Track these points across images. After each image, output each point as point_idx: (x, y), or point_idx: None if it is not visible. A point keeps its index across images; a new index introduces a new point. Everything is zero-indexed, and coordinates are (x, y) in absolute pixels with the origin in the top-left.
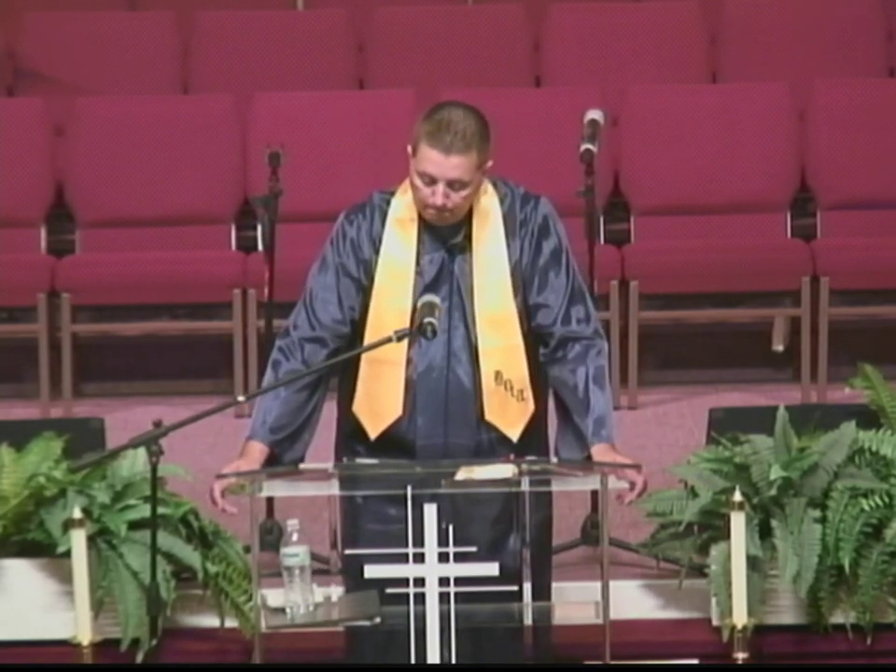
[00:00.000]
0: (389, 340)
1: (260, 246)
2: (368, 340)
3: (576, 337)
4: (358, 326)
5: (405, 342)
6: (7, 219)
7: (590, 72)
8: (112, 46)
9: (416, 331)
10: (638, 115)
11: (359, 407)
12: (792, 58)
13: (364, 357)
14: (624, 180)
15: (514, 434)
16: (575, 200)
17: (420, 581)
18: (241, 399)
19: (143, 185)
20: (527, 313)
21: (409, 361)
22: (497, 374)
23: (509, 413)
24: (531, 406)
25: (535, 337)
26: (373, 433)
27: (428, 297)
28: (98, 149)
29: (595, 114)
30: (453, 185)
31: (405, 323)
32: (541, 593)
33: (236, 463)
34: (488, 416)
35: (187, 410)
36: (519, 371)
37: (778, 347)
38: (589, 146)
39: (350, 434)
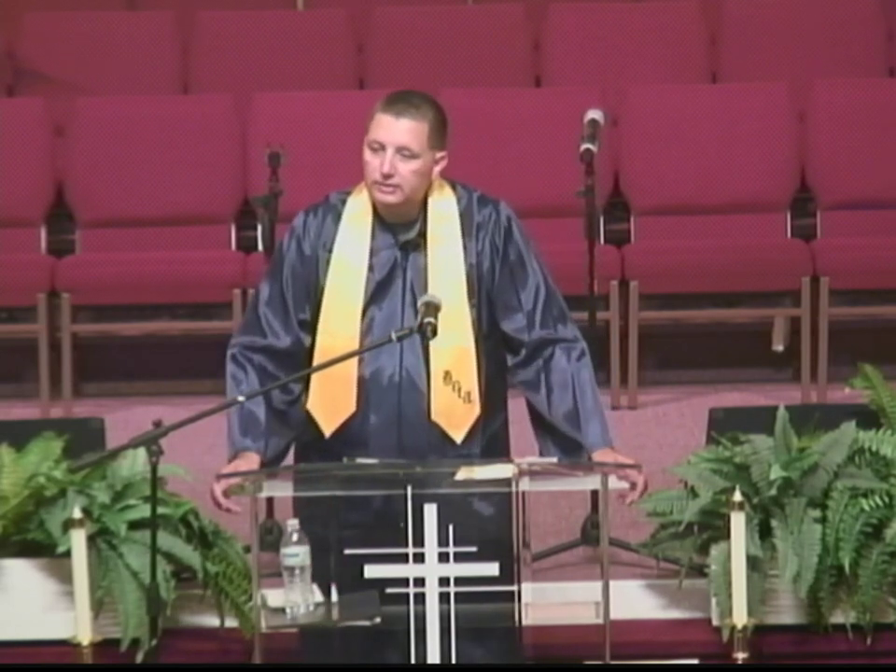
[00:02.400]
0: (390, 340)
1: (260, 246)
2: (319, 338)
3: (554, 339)
4: (311, 323)
5: (356, 339)
6: (7, 219)
7: (590, 72)
8: (112, 46)
9: (416, 331)
10: (638, 115)
11: (314, 404)
12: (792, 58)
13: (316, 354)
14: (624, 180)
15: (458, 436)
16: (575, 200)
17: (420, 581)
18: (241, 399)
19: (143, 185)
20: (489, 317)
21: (362, 359)
22: (447, 374)
23: (454, 414)
24: (477, 409)
25: (505, 343)
26: (328, 430)
27: (429, 297)
28: (98, 149)
29: (595, 114)
30: (401, 151)
31: (355, 320)
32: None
33: (234, 463)
34: (434, 416)
35: (187, 410)
36: (468, 372)
37: (778, 347)
38: (589, 146)
39: (307, 442)
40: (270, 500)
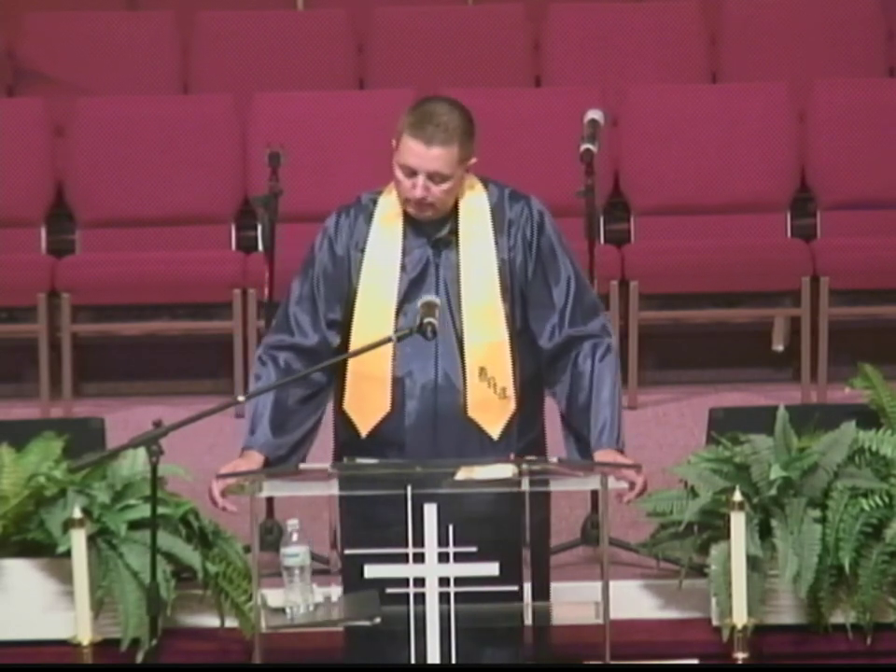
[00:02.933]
0: (389, 340)
1: (260, 246)
2: (354, 338)
3: (582, 336)
4: (344, 325)
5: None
6: (7, 219)
7: (590, 72)
8: (112, 46)
9: (416, 331)
10: (638, 115)
11: (349, 405)
12: (792, 58)
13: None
14: (624, 180)
15: (495, 431)
16: (575, 200)
17: (420, 581)
18: (241, 399)
19: (143, 185)
20: (522, 312)
21: (395, 357)
22: (482, 371)
23: (490, 409)
24: (513, 405)
25: (533, 338)
26: (364, 430)
27: (428, 297)
28: (98, 149)
29: (594, 114)
30: (433, 177)
31: (390, 320)
32: (539, 593)
33: (234, 462)
34: (471, 412)
35: (187, 410)
36: (503, 368)
37: (778, 347)
38: (589, 146)
39: (345, 441)
40: (270, 500)
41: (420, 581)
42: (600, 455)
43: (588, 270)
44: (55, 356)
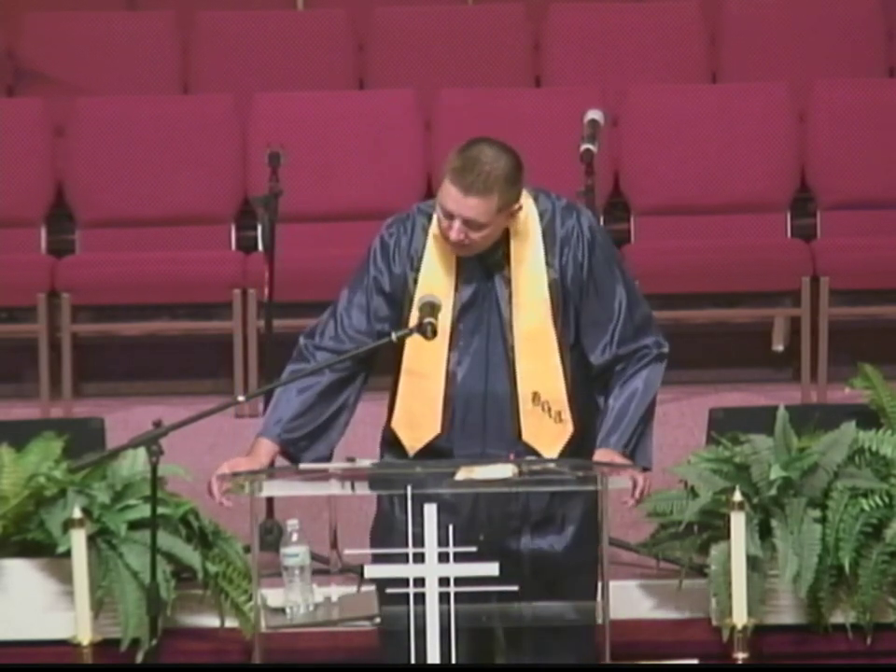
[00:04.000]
0: (389, 340)
1: (260, 246)
2: (407, 355)
3: (630, 352)
4: (398, 342)
5: (443, 358)
6: (7, 219)
7: (590, 72)
8: (112, 46)
9: (416, 331)
10: (638, 115)
11: (398, 423)
12: (792, 58)
13: (403, 372)
14: (624, 180)
15: (551, 455)
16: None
17: (420, 581)
18: (241, 399)
19: (143, 185)
20: (575, 328)
21: (448, 379)
22: (535, 395)
23: (545, 434)
24: (569, 428)
25: (584, 354)
26: (411, 450)
27: (429, 297)
28: (98, 149)
29: (594, 114)
30: (469, 224)
31: (443, 339)
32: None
33: (236, 460)
34: (525, 437)
35: (187, 410)
36: (557, 391)
37: (778, 347)
38: (589, 146)
39: (390, 447)
40: (270, 500)
41: (420, 581)
42: (599, 455)
43: None
44: (55, 356)
